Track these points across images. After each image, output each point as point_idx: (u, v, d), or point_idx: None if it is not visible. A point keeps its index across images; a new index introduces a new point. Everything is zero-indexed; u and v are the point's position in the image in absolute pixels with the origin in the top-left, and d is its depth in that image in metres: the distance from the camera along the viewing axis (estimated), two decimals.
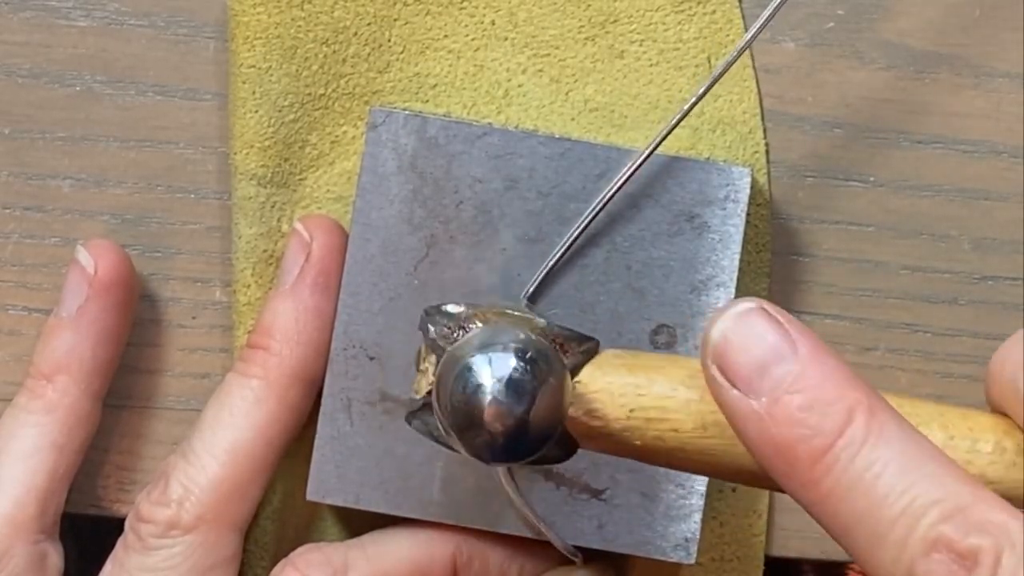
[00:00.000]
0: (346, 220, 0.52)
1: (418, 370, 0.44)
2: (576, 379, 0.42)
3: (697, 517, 0.51)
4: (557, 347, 0.43)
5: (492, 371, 0.41)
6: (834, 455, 0.37)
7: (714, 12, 0.53)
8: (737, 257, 0.51)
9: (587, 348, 0.43)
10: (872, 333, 0.54)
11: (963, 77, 0.54)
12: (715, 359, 0.39)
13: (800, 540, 0.55)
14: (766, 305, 0.39)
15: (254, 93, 0.52)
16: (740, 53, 0.50)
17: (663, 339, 0.51)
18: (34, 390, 0.52)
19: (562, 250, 0.51)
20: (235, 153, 0.53)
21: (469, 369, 0.42)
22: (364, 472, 0.51)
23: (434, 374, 0.43)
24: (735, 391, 0.38)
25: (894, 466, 0.36)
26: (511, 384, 0.41)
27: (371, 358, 0.51)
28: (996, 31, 0.53)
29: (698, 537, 0.51)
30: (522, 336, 0.42)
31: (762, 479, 0.40)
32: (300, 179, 0.53)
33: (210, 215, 0.54)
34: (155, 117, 0.54)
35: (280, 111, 0.52)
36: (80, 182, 0.54)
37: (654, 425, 0.41)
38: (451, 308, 0.44)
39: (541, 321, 0.44)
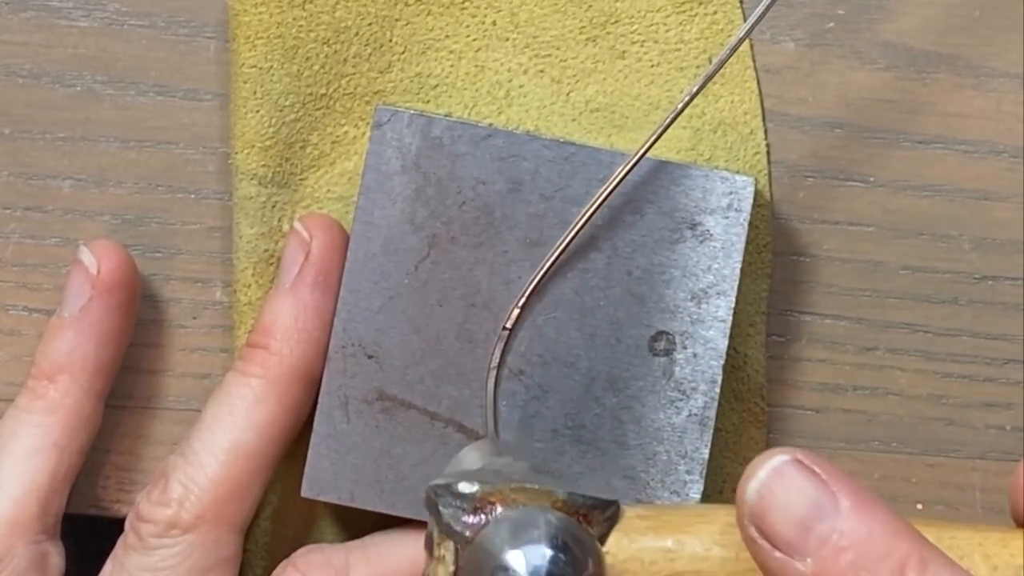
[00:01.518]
0: (347, 220, 0.52)
1: (431, 556, 0.42)
2: (603, 550, 0.40)
3: None
4: (581, 519, 0.41)
5: (528, 567, 0.39)
6: None
7: (715, 13, 0.53)
8: (739, 266, 0.51)
9: (610, 514, 0.41)
10: (872, 333, 0.54)
11: (963, 77, 0.54)
12: (752, 520, 0.37)
13: None
14: (801, 455, 0.37)
15: (255, 93, 0.52)
16: (731, 53, 0.50)
17: (662, 346, 0.51)
18: (35, 390, 0.52)
19: (559, 251, 0.51)
20: (236, 153, 0.53)
21: (506, 567, 0.39)
22: (359, 470, 0.51)
23: (454, 563, 0.41)
24: (778, 553, 0.37)
25: None
26: None
27: (369, 356, 0.51)
28: (996, 31, 0.53)
29: None
30: (552, 520, 0.40)
31: None
32: (301, 179, 0.53)
33: (210, 215, 0.54)
34: (156, 117, 0.54)
35: (281, 111, 0.52)
36: (81, 182, 0.54)
37: None
38: (463, 488, 0.42)
39: (562, 493, 0.41)
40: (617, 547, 0.41)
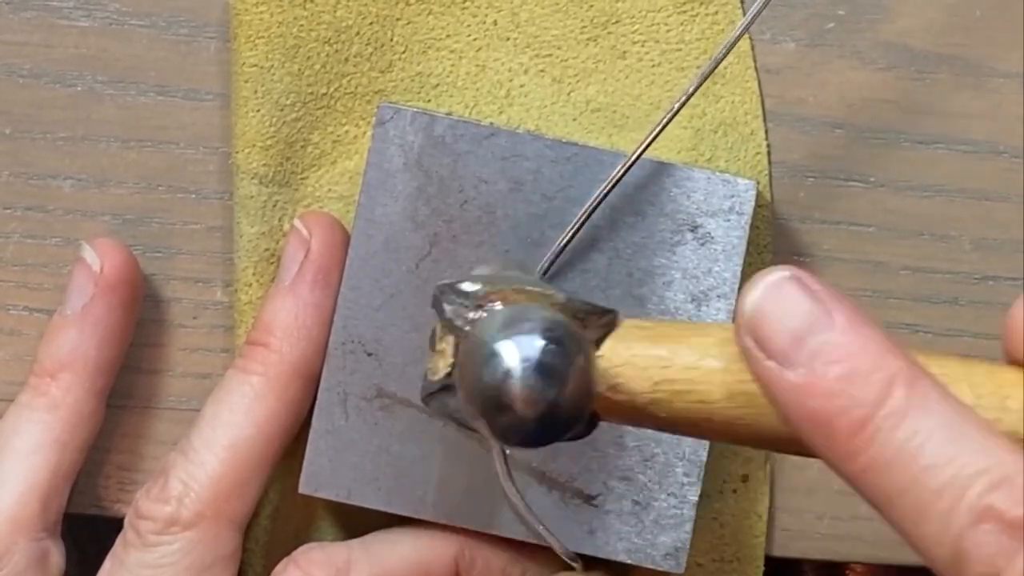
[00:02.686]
0: (348, 219, 0.52)
1: (433, 350, 0.44)
2: (598, 353, 0.41)
3: (688, 527, 0.51)
4: (579, 322, 0.42)
5: (520, 354, 0.40)
6: (875, 426, 0.36)
7: (716, 13, 0.53)
8: (740, 269, 0.51)
9: (607, 320, 0.42)
10: None
11: (963, 77, 0.54)
12: (749, 331, 0.38)
13: (800, 541, 0.55)
14: (800, 273, 0.38)
15: (256, 92, 0.52)
16: (727, 50, 0.50)
17: None
18: (37, 388, 0.52)
19: (558, 251, 0.51)
20: (237, 152, 0.53)
21: (495, 353, 0.40)
22: (357, 467, 0.51)
23: (453, 355, 0.43)
24: (771, 363, 0.37)
25: (937, 436, 0.36)
26: (540, 368, 0.40)
27: (369, 354, 0.51)
28: (996, 31, 0.53)
29: (688, 547, 0.51)
30: (547, 315, 0.41)
31: (792, 445, 0.39)
32: (302, 178, 0.53)
33: (211, 215, 0.54)
34: (156, 117, 0.54)
35: (282, 110, 0.52)
36: (81, 182, 0.54)
37: (681, 397, 0.40)
38: (467, 286, 0.43)
39: (560, 296, 0.43)
40: (612, 351, 0.41)
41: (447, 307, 0.43)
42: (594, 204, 0.50)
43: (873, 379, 0.37)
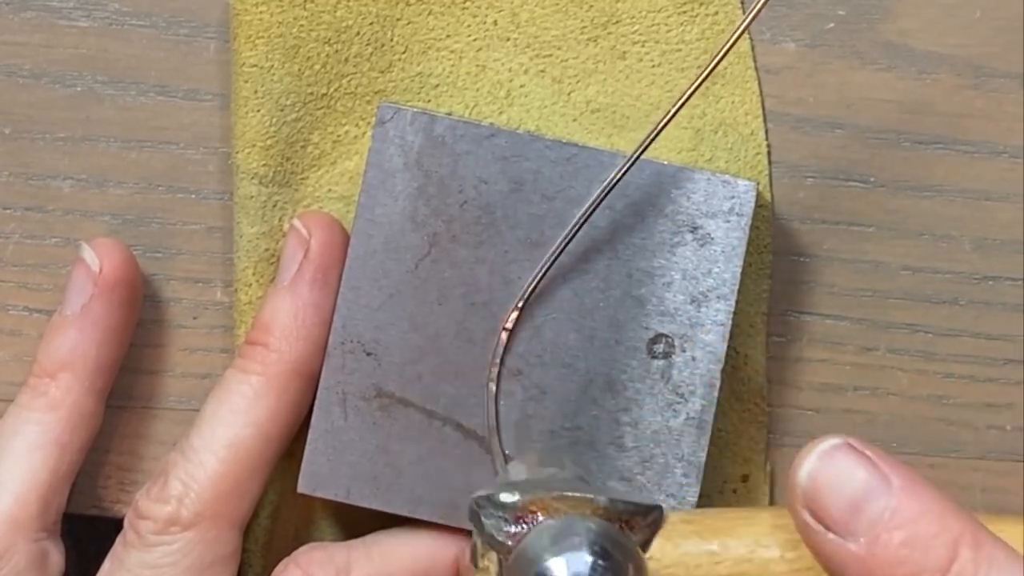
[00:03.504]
0: (348, 219, 0.52)
1: (477, 568, 0.43)
2: (647, 556, 0.40)
3: None
4: (623, 525, 0.41)
5: (568, 573, 0.39)
6: None
7: (716, 13, 0.53)
8: (739, 271, 0.51)
9: (653, 518, 0.41)
10: (873, 333, 0.54)
11: (964, 77, 0.54)
12: (806, 503, 0.37)
13: None
14: (852, 440, 0.38)
15: (256, 92, 0.52)
16: (725, 52, 0.49)
17: (661, 349, 0.51)
18: (37, 388, 0.52)
19: (558, 252, 0.51)
20: (237, 152, 0.53)
21: (545, 574, 0.39)
22: (356, 467, 0.51)
23: (498, 574, 0.41)
24: (831, 535, 0.37)
25: None
26: None
27: (368, 354, 0.51)
28: (997, 31, 0.53)
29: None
30: (592, 527, 0.40)
31: None
32: (302, 178, 0.53)
33: (211, 215, 0.54)
34: (156, 118, 0.54)
35: (282, 110, 0.52)
36: (81, 182, 0.54)
37: None
38: (505, 498, 0.42)
39: (603, 499, 0.41)
40: (661, 552, 0.41)
41: (487, 522, 0.42)
42: (592, 207, 0.50)
43: (938, 543, 0.36)
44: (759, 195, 0.52)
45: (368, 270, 0.51)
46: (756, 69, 0.53)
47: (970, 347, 0.54)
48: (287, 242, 0.52)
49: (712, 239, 0.51)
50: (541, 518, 0.41)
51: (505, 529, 0.41)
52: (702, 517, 0.42)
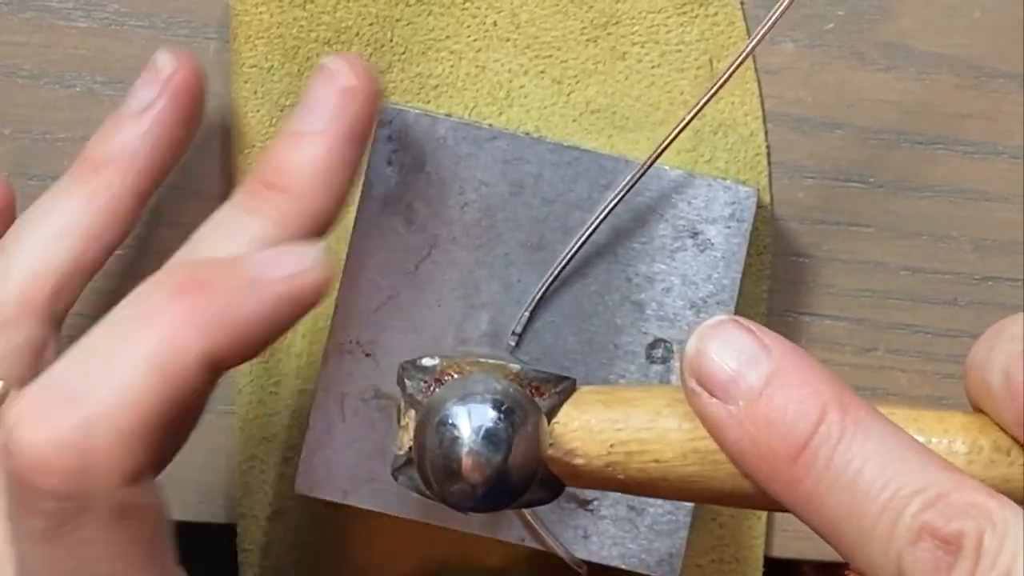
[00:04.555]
0: (347, 220, 0.52)
1: (399, 426, 0.44)
2: (554, 420, 0.42)
3: (683, 533, 0.51)
4: (532, 391, 0.43)
5: (468, 422, 0.42)
6: (812, 452, 0.37)
7: (716, 14, 0.53)
8: (739, 277, 0.51)
9: (563, 388, 0.43)
10: (872, 334, 0.54)
11: (964, 78, 0.54)
12: (692, 371, 0.39)
13: (799, 541, 0.55)
14: (738, 317, 0.40)
15: (256, 93, 0.52)
16: (741, 62, 0.50)
17: (659, 354, 0.51)
18: (78, 176, 0.49)
19: (564, 263, 0.51)
20: (237, 153, 0.53)
21: (445, 422, 0.42)
22: (354, 468, 0.51)
23: (414, 429, 0.43)
24: (714, 400, 0.39)
25: (873, 459, 0.37)
26: (487, 434, 0.41)
27: (367, 355, 0.51)
28: (997, 31, 0.53)
29: (682, 554, 0.51)
30: (496, 385, 0.42)
31: (749, 499, 0.40)
32: None
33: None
34: None
35: (282, 110, 0.53)
36: None
37: (635, 458, 0.41)
38: (426, 362, 0.44)
39: (515, 366, 0.44)
40: (567, 417, 0.42)
41: (408, 383, 0.44)
42: (601, 216, 0.50)
43: (807, 406, 0.38)
44: (758, 196, 0.52)
45: (367, 271, 0.51)
46: (756, 70, 0.53)
47: (969, 347, 0.54)
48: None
49: (712, 245, 0.51)
50: (456, 378, 0.44)
51: (423, 389, 0.44)
52: (611, 390, 0.43)
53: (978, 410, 0.41)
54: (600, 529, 0.51)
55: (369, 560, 0.55)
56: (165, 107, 0.49)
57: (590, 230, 0.51)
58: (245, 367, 0.53)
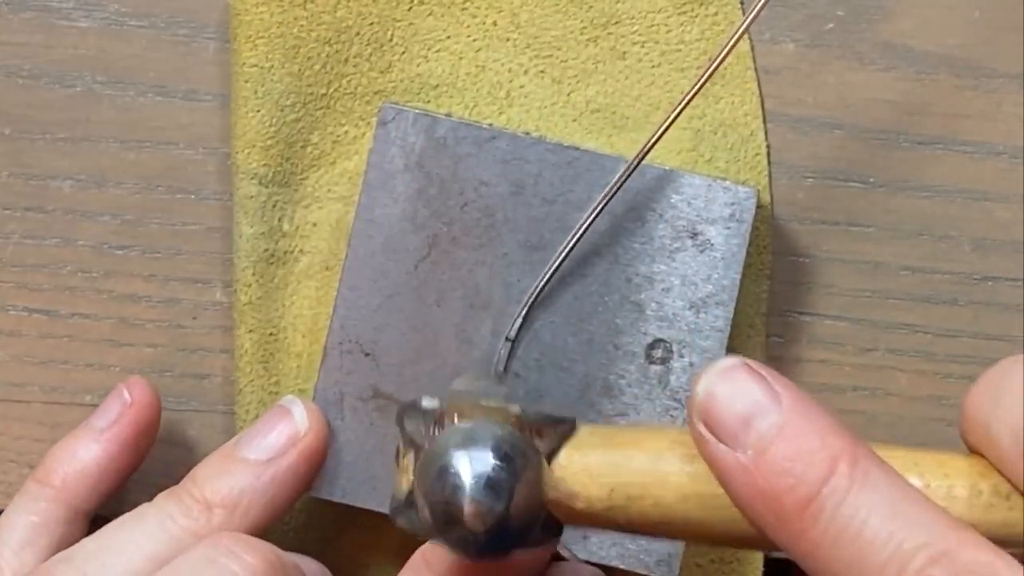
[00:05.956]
0: (347, 219, 0.52)
1: (398, 467, 0.44)
2: (555, 462, 0.42)
3: None
4: (533, 433, 0.43)
5: (470, 470, 0.42)
6: (819, 504, 0.37)
7: (716, 14, 0.53)
8: (739, 277, 0.51)
9: (563, 430, 0.43)
10: (872, 334, 0.54)
11: (963, 78, 0.54)
12: (701, 416, 0.39)
13: None
14: (749, 361, 0.39)
15: (256, 92, 0.52)
16: (724, 56, 0.49)
17: (659, 354, 0.51)
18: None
19: (558, 261, 0.51)
20: (236, 152, 0.53)
21: (447, 469, 0.42)
22: (353, 468, 0.51)
23: (414, 472, 0.43)
24: (722, 446, 0.38)
25: (879, 512, 0.37)
26: (489, 482, 0.41)
27: (366, 354, 0.51)
28: (996, 31, 0.53)
29: (681, 554, 0.51)
30: (497, 431, 0.42)
31: (750, 541, 0.40)
32: (302, 178, 0.53)
33: (210, 216, 0.54)
34: (155, 118, 0.54)
35: (282, 110, 0.52)
36: (80, 183, 0.54)
37: (636, 502, 0.41)
38: (425, 403, 0.44)
39: (515, 409, 0.44)
40: (568, 460, 0.42)
41: (408, 424, 0.44)
42: (595, 212, 0.50)
43: (817, 457, 0.38)
44: (758, 197, 0.52)
45: (367, 271, 0.51)
46: (755, 70, 0.53)
47: (969, 347, 0.54)
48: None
49: (712, 245, 0.51)
50: (457, 422, 0.43)
51: (423, 431, 0.44)
52: (612, 431, 0.43)
53: (975, 451, 0.41)
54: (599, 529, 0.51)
55: (369, 560, 0.55)
56: (124, 426, 0.52)
57: (585, 226, 0.51)
58: (245, 367, 0.53)
